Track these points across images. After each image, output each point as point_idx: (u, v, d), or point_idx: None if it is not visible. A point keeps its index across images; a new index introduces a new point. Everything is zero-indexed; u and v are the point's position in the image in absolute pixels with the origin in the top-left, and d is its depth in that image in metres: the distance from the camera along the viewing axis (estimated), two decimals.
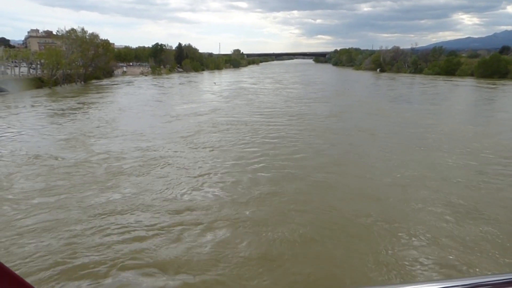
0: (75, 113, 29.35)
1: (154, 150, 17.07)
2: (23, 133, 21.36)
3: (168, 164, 14.87)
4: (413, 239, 8.99)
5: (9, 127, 23.16)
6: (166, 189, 12.14)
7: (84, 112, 29.96)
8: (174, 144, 18.44)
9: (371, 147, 18.23)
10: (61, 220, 9.76)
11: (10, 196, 11.58)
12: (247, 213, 10.33)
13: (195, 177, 13.38)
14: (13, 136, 20.49)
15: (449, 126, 23.76)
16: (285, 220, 9.90)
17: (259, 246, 8.62)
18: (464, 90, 51.75)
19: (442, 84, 59.26)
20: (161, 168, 14.43)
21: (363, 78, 76.41)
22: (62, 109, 31.30)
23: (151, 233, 9.13)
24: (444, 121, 25.68)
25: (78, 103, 35.38)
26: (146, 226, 9.49)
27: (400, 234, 9.22)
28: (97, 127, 23.46)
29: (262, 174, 13.82)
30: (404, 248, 8.59)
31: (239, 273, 7.53)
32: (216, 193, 11.87)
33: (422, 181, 12.89)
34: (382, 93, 47.59)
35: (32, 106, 33.46)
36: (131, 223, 9.62)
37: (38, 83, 48.31)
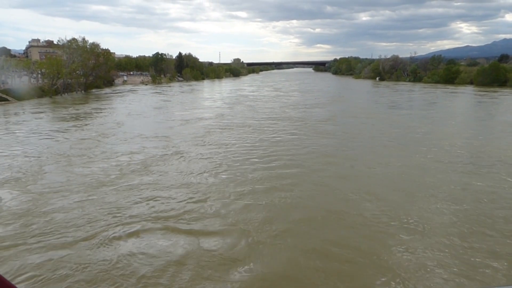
0: (88, 118, 31.12)
1: (171, 147, 19.41)
2: (45, 136, 23.04)
3: (185, 158, 17.27)
4: (375, 202, 11.96)
5: (28, 131, 24.62)
6: (184, 174, 14.74)
7: (95, 117, 31.63)
8: (188, 142, 20.79)
9: (358, 145, 20.53)
10: (98, 199, 12.12)
11: (48, 184, 13.69)
12: (246, 189, 13.03)
13: (207, 166, 15.93)
14: (39, 138, 22.35)
15: (429, 127, 25.84)
16: (270, 190, 12.91)
17: (249, 210, 11.19)
18: (455, 97, 52.53)
19: (437, 92, 59.87)
20: (178, 160, 16.83)
21: (361, 87, 76.83)
22: (73, 115, 32.74)
23: (173, 202, 11.87)
24: (427, 124, 27.62)
25: (88, 109, 36.71)
26: (170, 198, 12.19)
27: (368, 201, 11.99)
28: (112, 129, 25.56)
29: (260, 162, 16.58)
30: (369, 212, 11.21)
31: (231, 222, 10.41)
32: (224, 177, 14.39)
33: (397, 168, 15.71)
34: (377, 100, 48.92)
35: (42, 113, 34.68)
36: (158, 196, 12.32)
37: (39, 92, 48.52)
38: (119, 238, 9.45)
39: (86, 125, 27.52)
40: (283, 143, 20.49)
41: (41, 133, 24.18)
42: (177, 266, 8.23)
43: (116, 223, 10.30)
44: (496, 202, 11.84)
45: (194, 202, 11.82)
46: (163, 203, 11.78)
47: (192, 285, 7.61)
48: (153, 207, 11.48)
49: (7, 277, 7.03)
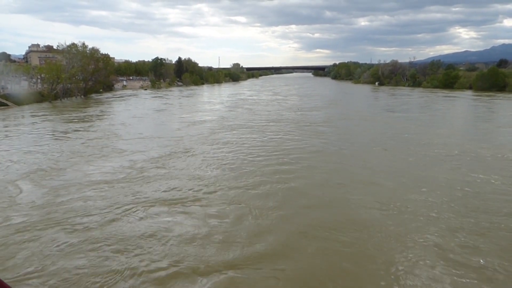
0: (92, 121, 32.15)
1: (180, 146, 20.94)
2: (53, 137, 24.10)
3: (193, 154, 18.92)
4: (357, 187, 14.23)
5: (33, 134, 25.59)
6: (194, 167, 16.39)
7: (99, 120, 32.74)
8: (194, 141, 22.41)
9: (350, 143, 22.24)
10: (118, 188, 13.51)
11: (66, 177, 14.90)
12: (248, 179, 14.61)
13: (213, 160, 17.59)
14: (46, 140, 23.31)
15: (419, 129, 27.61)
16: (269, 180, 14.44)
17: (250, 196, 12.86)
18: (451, 101, 52.89)
19: (432, 96, 60.31)
20: (187, 156, 18.50)
21: (360, 91, 77.09)
22: (77, 118, 33.49)
23: (182, 188, 13.58)
24: (417, 125, 29.34)
25: (91, 113, 37.44)
26: (183, 186, 13.79)
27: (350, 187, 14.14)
28: (119, 130, 26.66)
29: (260, 157, 18.21)
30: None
31: (234, 205, 12.05)
32: (228, 169, 16.03)
33: (383, 163, 17.72)
34: (374, 104, 50.64)
35: (44, 116, 35.37)
36: (172, 185, 13.90)
37: (39, 97, 48.48)
38: (140, 218, 10.91)
39: (92, 127, 28.58)
40: (282, 142, 22.04)
41: (48, 135, 25.05)
42: (188, 239, 9.64)
43: (136, 205, 11.78)
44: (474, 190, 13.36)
45: (204, 189, 13.37)
46: (177, 190, 13.29)
47: (199, 256, 8.83)
48: (168, 193, 12.97)
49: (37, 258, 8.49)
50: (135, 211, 11.30)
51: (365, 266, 8.46)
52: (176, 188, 13.48)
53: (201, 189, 13.34)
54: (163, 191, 13.12)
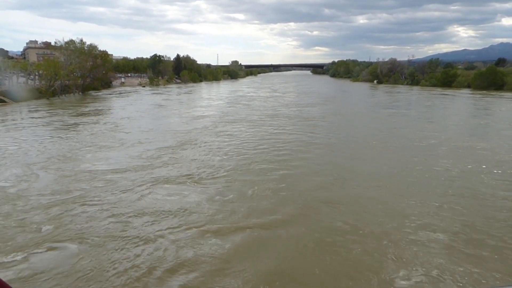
0: (95, 116, 32.85)
1: (186, 136, 22.55)
2: (61, 131, 24.80)
3: (200, 144, 20.54)
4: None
5: (40, 129, 26.04)
6: (200, 154, 18.15)
7: (102, 115, 33.45)
8: (200, 133, 23.99)
9: (339, 136, 23.94)
10: (135, 172, 14.87)
11: (82, 164, 16.07)
12: (246, 162, 16.63)
13: (216, 149, 19.32)
14: (54, 133, 23.88)
15: (407, 123, 29.46)
16: (265, 165, 16.19)
17: (248, 176, 14.71)
18: (445, 99, 53.15)
19: (425, 94, 60.85)
20: (194, 145, 20.25)
21: (358, 89, 77.34)
22: (79, 114, 33.86)
23: (193, 171, 15.19)
24: (404, 121, 31.21)
25: (92, 109, 37.83)
26: (192, 168, 15.61)
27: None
28: (126, 123, 28.03)
29: (259, 146, 20.04)
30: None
31: (235, 184, 13.73)
32: (230, 156, 17.81)
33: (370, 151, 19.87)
34: (368, 101, 51.96)
35: (46, 111, 35.47)
36: (181, 168, 15.58)
37: (36, 94, 48.23)
38: (158, 193, 12.52)
39: (98, 121, 29.37)
40: (279, 134, 23.67)
41: (57, 128, 25.86)
42: (193, 208, 11.32)
43: (153, 184, 13.36)
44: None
45: (212, 172, 15.02)
46: (188, 172, 14.90)
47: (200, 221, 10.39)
48: (180, 175, 14.57)
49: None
50: (152, 188, 12.89)
51: (357, 234, 9.70)
52: (187, 171, 15.12)
53: (209, 172, 15.05)
54: (175, 174, 14.74)
